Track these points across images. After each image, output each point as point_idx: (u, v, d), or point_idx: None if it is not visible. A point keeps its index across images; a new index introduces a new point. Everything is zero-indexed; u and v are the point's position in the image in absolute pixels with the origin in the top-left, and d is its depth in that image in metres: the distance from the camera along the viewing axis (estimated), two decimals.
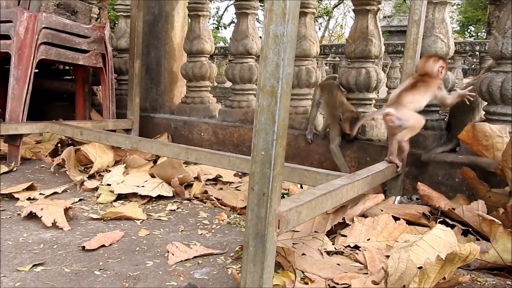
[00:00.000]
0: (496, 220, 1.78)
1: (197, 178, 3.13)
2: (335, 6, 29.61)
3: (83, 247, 1.85)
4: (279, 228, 1.38)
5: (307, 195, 1.60)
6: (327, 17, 29.89)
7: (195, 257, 1.81)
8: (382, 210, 2.21)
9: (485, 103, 2.46)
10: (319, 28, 31.37)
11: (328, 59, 13.64)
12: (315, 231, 2.00)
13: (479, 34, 28.98)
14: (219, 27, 27.45)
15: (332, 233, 2.05)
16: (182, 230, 2.14)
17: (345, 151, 3.11)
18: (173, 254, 1.80)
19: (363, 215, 2.14)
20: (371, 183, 2.09)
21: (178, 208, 2.49)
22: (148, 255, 1.83)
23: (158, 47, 4.24)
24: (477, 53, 8.71)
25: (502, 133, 2.07)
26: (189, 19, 4.12)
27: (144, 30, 4.07)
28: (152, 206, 2.50)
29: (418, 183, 2.35)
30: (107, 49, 3.97)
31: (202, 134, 3.93)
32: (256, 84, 3.60)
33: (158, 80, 4.30)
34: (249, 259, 1.34)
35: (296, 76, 3.45)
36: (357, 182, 1.91)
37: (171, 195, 2.67)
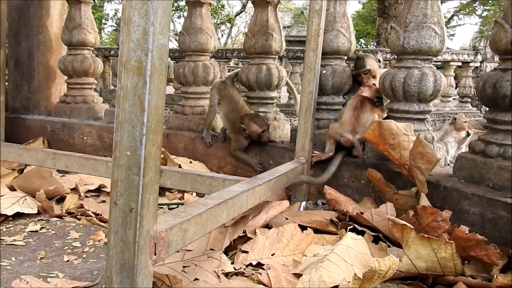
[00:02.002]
0: (408, 225, 1.61)
1: (75, 189, 2.63)
2: (238, 13, 29.81)
3: None
4: (155, 255, 1.03)
5: (196, 206, 1.27)
6: (230, 24, 29.99)
7: None
8: (287, 219, 1.96)
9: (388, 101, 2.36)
10: (222, 35, 31.37)
11: (230, 64, 13.50)
12: (211, 249, 1.67)
13: (368, 46, 31.19)
14: (118, 30, 26.10)
15: (232, 249, 1.74)
16: (42, 258, 1.68)
17: (246, 154, 2.84)
18: None
19: (267, 226, 1.87)
20: (275, 188, 1.82)
21: (42, 228, 1.99)
22: None
23: (30, 36, 3.60)
24: None
25: (408, 131, 1.94)
26: (69, 6, 3.57)
27: (11, 16, 3.43)
28: (7, 228, 1.97)
29: (325, 186, 2.15)
30: None
31: (85, 138, 3.40)
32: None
33: (31, 75, 3.65)
34: None
35: (192, 72, 3.10)
36: (258, 187, 1.63)
37: (36, 211, 2.16)
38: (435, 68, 2.23)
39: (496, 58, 9.03)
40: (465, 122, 4.35)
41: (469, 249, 1.52)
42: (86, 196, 2.57)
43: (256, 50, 2.92)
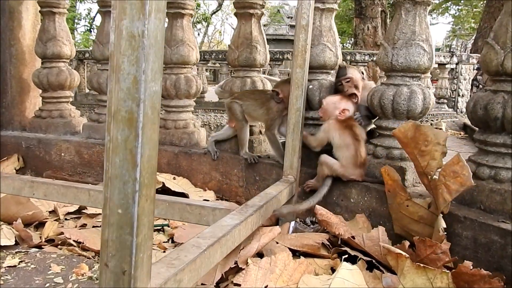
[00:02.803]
0: (403, 253, 1.59)
1: (54, 212, 2.52)
2: (214, 12, 29.63)
3: None
4: None
5: (189, 250, 1.20)
6: (206, 23, 29.78)
7: None
8: (277, 243, 1.90)
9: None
10: (198, 34, 31.12)
11: (208, 65, 13.35)
12: (202, 283, 1.60)
13: (345, 44, 31.46)
14: (91, 30, 25.52)
15: (223, 281, 1.68)
16: None
17: (231, 169, 2.78)
18: None
19: (259, 253, 1.81)
20: (266, 214, 1.77)
21: (21, 261, 1.88)
22: None
23: (2, 49, 3.44)
24: (348, 62, 9.18)
25: (442, 142, 1.78)
26: (42, 17, 3.42)
27: None
28: None
29: (316, 206, 2.10)
30: None
31: (63, 154, 3.26)
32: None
33: (3, 89, 3.48)
34: None
35: (174, 85, 3.02)
36: (250, 218, 1.57)
37: (13, 242, 2.04)
38: (425, 86, 2.21)
39: (471, 60, 9.22)
40: (441, 129, 4.39)
41: (472, 283, 1.48)
42: (66, 219, 2.46)
43: (240, 63, 2.86)
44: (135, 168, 0.85)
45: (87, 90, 10.74)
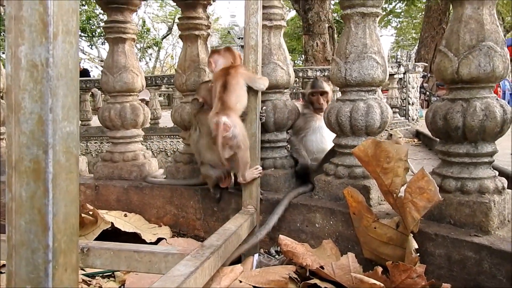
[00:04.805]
0: (377, 283, 1.46)
1: None
2: (164, 36, 29.38)
3: None
4: None
5: None
6: (157, 48, 29.44)
7: None
8: (241, 281, 1.73)
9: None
10: (150, 59, 30.71)
11: (162, 89, 13.11)
12: None
13: (296, 61, 32.08)
14: None
15: None
16: None
17: (187, 201, 2.59)
18: None
19: None
20: (225, 255, 1.60)
21: None
22: None
23: None
24: (301, 79, 9.23)
25: (403, 157, 1.68)
26: None
27: None
28: None
29: (280, 236, 1.95)
30: None
31: None
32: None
33: None
34: None
35: (120, 115, 2.81)
36: (207, 261, 1.39)
37: None
38: (380, 98, 2.14)
39: (417, 69, 9.53)
40: (400, 137, 4.40)
41: None
42: None
43: (188, 87, 2.70)
44: (46, 231, 0.67)
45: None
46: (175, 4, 2.78)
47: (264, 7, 2.28)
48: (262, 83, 2.10)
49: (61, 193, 0.69)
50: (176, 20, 2.87)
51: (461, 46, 1.71)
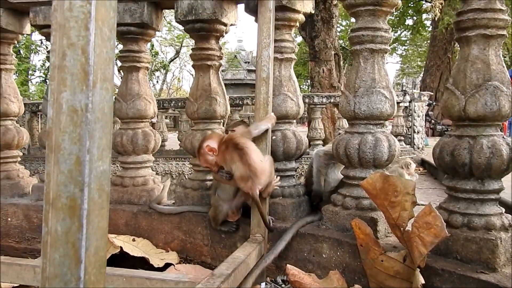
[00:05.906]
0: None
1: None
2: (172, 60, 29.80)
3: None
4: None
5: None
6: (164, 70, 29.84)
7: None
8: None
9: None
10: (157, 82, 31.08)
11: (169, 112, 13.24)
12: None
13: (301, 87, 32.44)
14: (46, 81, 24.98)
15: None
16: None
17: (194, 227, 2.62)
18: None
19: None
20: (234, 284, 1.62)
21: None
22: None
23: None
24: (307, 105, 9.33)
25: (411, 191, 1.72)
26: None
27: None
28: None
29: (287, 266, 1.98)
30: None
31: (9, 219, 2.99)
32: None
33: None
34: None
35: (131, 141, 2.88)
36: None
37: None
38: (388, 132, 2.19)
39: (423, 98, 9.61)
40: (416, 168, 4.43)
41: None
42: None
43: (199, 116, 2.76)
44: (79, 265, 0.72)
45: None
46: (183, 28, 2.86)
47: (275, 41, 2.37)
48: (265, 124, 2.18)
49: (93, 228, 0.74)
50: (184, 44, 2.96)
51: (468, 85, 1.77)
